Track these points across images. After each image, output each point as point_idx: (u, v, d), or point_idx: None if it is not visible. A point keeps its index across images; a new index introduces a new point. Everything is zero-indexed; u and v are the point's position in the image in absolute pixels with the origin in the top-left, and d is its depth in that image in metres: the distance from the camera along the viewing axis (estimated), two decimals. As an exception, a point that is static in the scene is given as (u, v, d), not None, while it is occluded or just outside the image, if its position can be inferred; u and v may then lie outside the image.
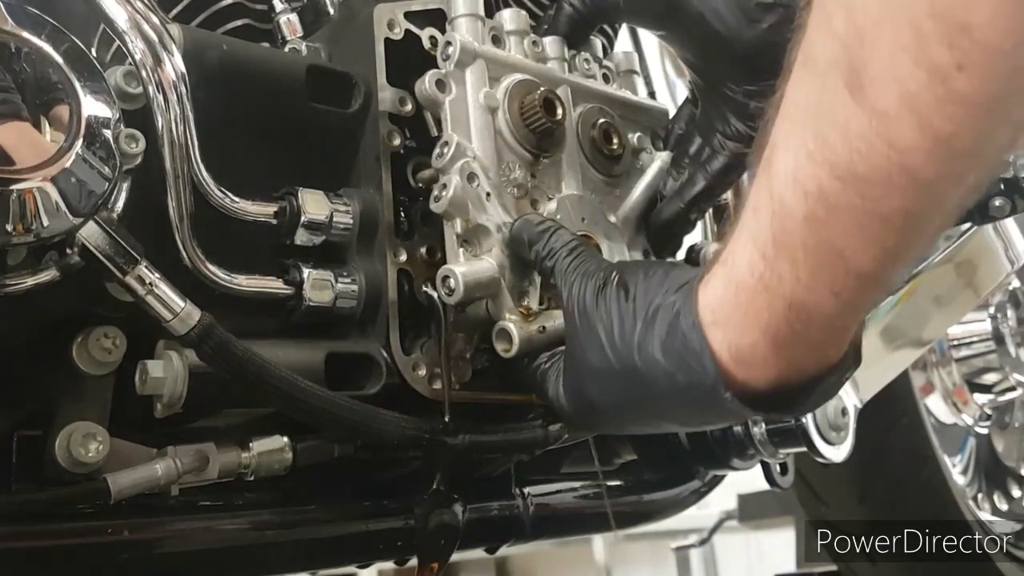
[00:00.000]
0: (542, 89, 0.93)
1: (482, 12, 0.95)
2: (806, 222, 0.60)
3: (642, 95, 1.13)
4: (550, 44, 1.00)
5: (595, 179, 0.99)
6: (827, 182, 0.58)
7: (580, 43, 1.05)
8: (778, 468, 1.19)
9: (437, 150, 0.87)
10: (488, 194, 0.86)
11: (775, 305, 0.64)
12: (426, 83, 0.88)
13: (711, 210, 1.41)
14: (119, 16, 0.74)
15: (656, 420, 0.79)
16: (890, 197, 0.56)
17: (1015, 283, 1.83)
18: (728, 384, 0.68)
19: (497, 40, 0.95)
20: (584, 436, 1.02)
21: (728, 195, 1.14)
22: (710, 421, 0.84)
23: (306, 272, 0.85)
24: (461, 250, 0.87)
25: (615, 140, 1.01)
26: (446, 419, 0.86)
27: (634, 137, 1.05)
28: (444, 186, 0.85)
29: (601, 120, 1.00)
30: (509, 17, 0.98)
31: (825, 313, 0.63)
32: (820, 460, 1.07)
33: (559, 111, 0.93)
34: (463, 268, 0.84)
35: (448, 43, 0.90)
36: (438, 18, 0.97)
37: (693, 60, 0.98)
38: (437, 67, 0.91)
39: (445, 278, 0.84)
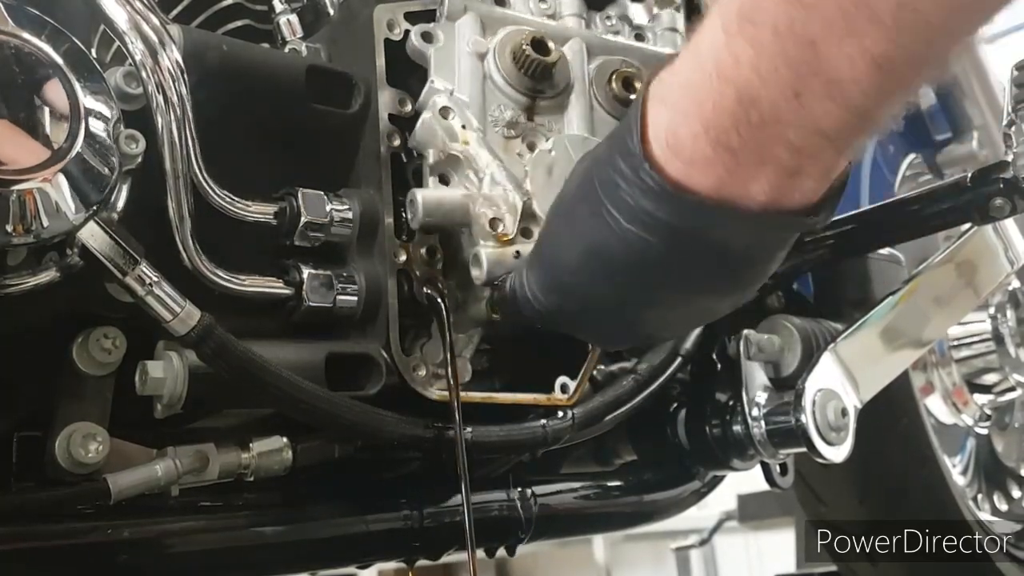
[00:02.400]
0: (531, 31, 0.93)
1: None
2: (783, 0, 0.52)
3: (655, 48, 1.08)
4: (565, 1, 1.00)
5: (609, 123, 0.96)
6: None
7: (603, 1, 1.03)
8: (778, 468, 1.19)
9: (433, 103, 0.89)
10: (464, 126, 0.87)
11: (724, 95, 0.55)
12: (412, 36, 0.90)
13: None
14: (119, 17, 0.74)
15: (621, 265, 0.65)
16: None
17: (1015, 283, 1.83)
18: (654, 167, 0.59)
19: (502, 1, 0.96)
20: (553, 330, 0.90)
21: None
22: (655, 231, 0.63)
23: (306, 273, 0.85)
24: (432, 179, 0.88)
25: (637, 87, 0.98)
26: (457, 419, 0.85)
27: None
28: (419, 122, 0.87)
29: (621, 69, 0.98)
30: None
31: (782, 120, 0.54)
32: (820, 460, 1.07)
33: (551, 50, 0.92)
34: (426, 192, 0.86)
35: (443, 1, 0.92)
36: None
37: None
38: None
39: (409, 201, 0.86)
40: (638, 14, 1.06)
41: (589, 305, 0.72)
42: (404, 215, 0.90)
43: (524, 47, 0.90)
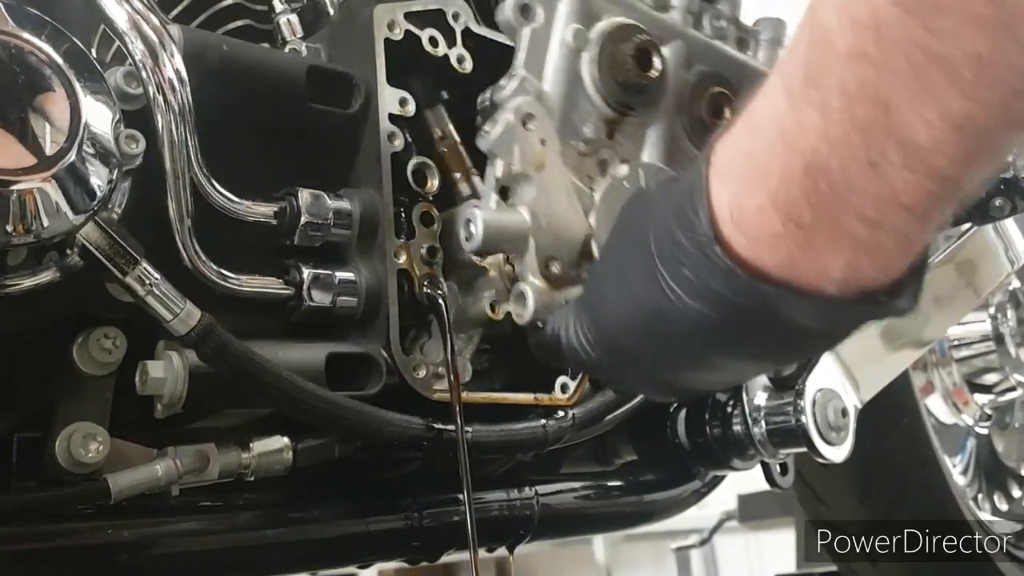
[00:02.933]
0: (640, 37, 0.80)
1: None
2: (850, 59, 0.47)
3: (757, 62, 0.96)
4: None
5: (690, 153, 0.86)
6: (883, 6, 0.45)
7: None
8: (778, 468, 1.19)
9: (502, 81, 0.79)
10: (543, 141, 0.76)
11: (790, 165, 0.51)
12: (508, 7, 0.78)
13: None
14: (119, 17, 0.74)
15: (680, 324, 0.61)
16: (964, 33, 0.43)
17: (1015, 283, 1.83)
18: (721, 246, 0.55)
19: None
20: (615, 389, 0.89)
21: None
22: (735, 311, 0.59)
23: (306, 272, 0.85)
24: (495, 196, 0.77)
25: (726, 113, 0.88)
26: (458, 419, 0.85)
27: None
28: (495, 122, 0.76)
29: (716, 89, 0.87)
30: None
31: (856, 191, 0.49)
32: (820, 460, 1.07)
33: (655, 67, 0.81)
34: (489, 214, 0.75)
35: None
36: (438, 18, 0.97)
37: None
38: (435, 67, 0.90)
39: (467, 221, 0.76)
40: (739, 5, 0.93)
41: (639, 364, 0.69)
42: (403, 215, 0.90)
43: (627, 58, 0.79)
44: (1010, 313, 1.83)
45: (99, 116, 0.70)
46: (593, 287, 0.71)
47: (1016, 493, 1.81)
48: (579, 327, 0.70)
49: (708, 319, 0.58)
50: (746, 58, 0.91)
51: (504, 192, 0.77)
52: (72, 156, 0.67)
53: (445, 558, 1.01)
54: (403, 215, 0.90)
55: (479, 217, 0.75)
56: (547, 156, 0.76)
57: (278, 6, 0.96)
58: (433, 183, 0.93)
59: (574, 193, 0.77)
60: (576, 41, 0.79)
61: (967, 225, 1.23)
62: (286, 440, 0.84)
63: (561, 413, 0.98)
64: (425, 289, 0.89)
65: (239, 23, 0.95)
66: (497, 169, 0.77)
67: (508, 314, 0.94)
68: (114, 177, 0.71)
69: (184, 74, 0.76)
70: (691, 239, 0.57)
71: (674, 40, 0.84)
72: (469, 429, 0.88)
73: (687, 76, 0.84)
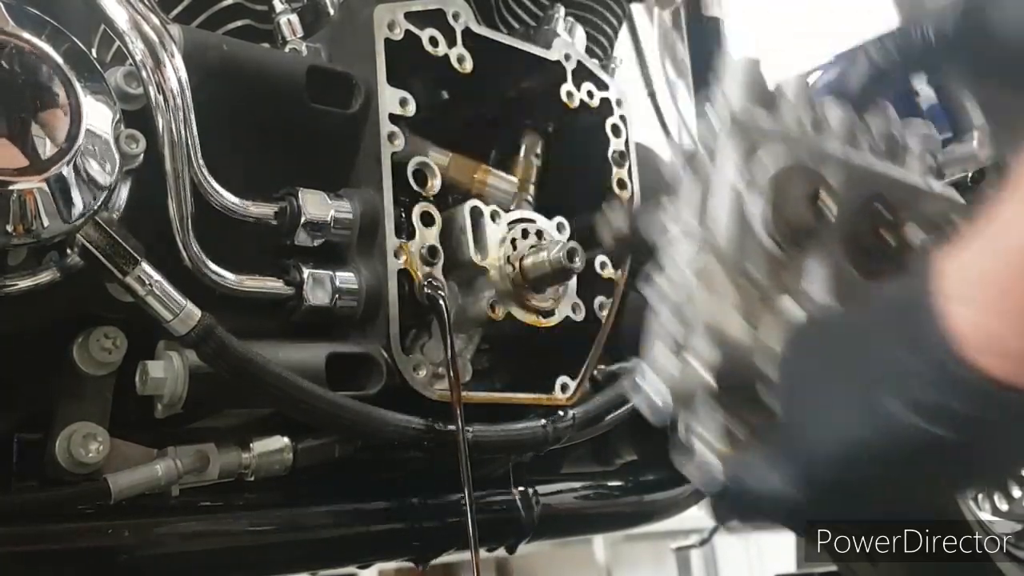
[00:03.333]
0: (811, 178, 0.77)
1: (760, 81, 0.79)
2: None
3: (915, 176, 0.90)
4: (833, 112, 0.82)
5: (850, 279, 0.81)
6: None
7: (869, 105, 0.86)
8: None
9: (670, 226, 0.74)
10: (715, 289, 0.72)
11: None
12: (675, 158, 0.76)
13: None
14: (119, 17, 0.74)
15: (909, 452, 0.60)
16: None
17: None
18: (971, 368, 0.54)
19: (767, 100, 0.79)
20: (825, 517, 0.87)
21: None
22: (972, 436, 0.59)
23: (306, 272, 0.85)
24: (662, 344, 0.71)
25: (888, 239, 0.82)
26: (459, 419, 0.85)
27: (911, 230, 0.84)
28: (668, 279, 0.71)
29: (877, 211, 0.82)
30: (790, 81, 0.82)
31: None
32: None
33: (826, 206, 0.77)
34: (665, 374, 0.70)
35: (717, 102, 0.76)
36: (438, 18, 0.97)
37: None
38: (435, 67, 0.90)
39: (639, 377, 0.70)
40: (890, 119, 0.88)
41: (851, 501, 0.66)
42: (403, 215, 0.90)
43: (803, 202, 0.75)
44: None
45: (99, 116, 0.70)
46: (788, 429, 0.67)
47: (1016, 493, 1.81)
48: (780, 474, 0.65)
49: (945, 440, 0.57)
50: (903, 173, 0.88)
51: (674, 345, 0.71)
52: (72, 156, 0.67)
53: (445, 558, 1.01)
54: (403, 215, 0.90)
55: (654, 380, 0.69)
56: (718, 305, 0.71)
57: (278, 6, 0.96)
58: (433, 183, 0.93)
59: (746, 337, 0.72)
60: (744, 177, 0.75)
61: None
62: (286, 440, 0.84)
63: (561, 413, 0.98)
64: (425, 289, 0.89)
65: (239, 23, 0.95)
66: (665, 320, 0.71)
67: (508, 314, 0.95)
68: (114, 177, 0.71)
69: (184, 74, 0.76)
70: (927, 362, 0.56)
71: (836, 167, 0.81)
72: (469, 429, 0.88)
73: (848, 202, 0.81)
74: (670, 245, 0.72)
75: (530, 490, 1.07)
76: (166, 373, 0.75)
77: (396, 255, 0.89)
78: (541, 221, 1.01)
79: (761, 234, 0.75)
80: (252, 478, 0.83)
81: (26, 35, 0.67)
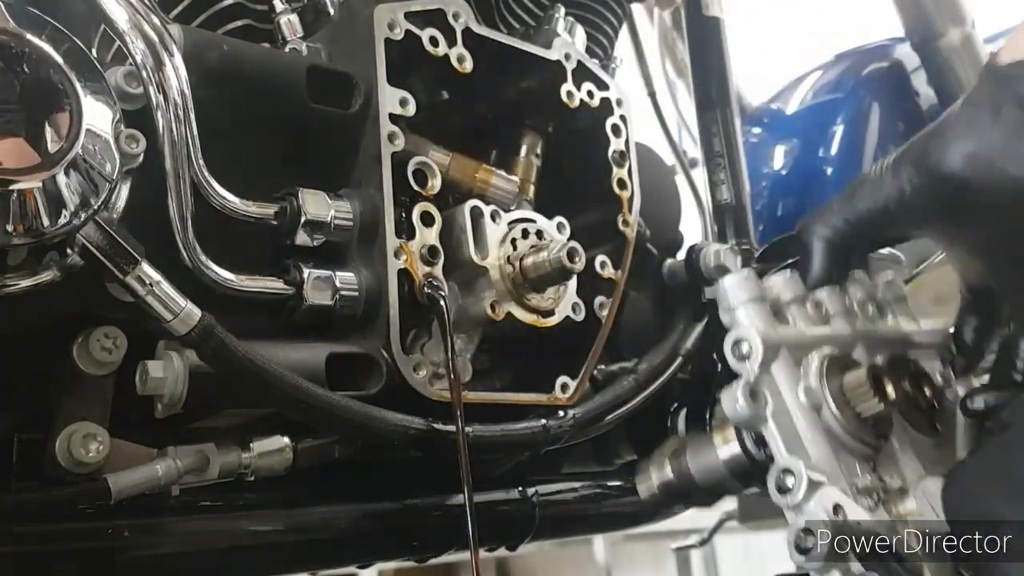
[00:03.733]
0: (864, 367, 0.78)
1: (761, 293, 0.81)
2: None
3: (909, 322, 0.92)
4: (829, 299, 0.84)
5: (925, 446, 0.81)
6: None
7: (844, 276, 0.87)
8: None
9: (779, 479, 0.73)
10: (859, 523, 0.72)
11: None
12: (738, 400, 0.75)
13: (711, 208, 1.41)
14: (120, 16, 0.74)
15: None
16: None
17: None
18: None
19: (779, 315, 0.81)
20: None
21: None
22: None
23: (306, 272, 0.85)
24: None
25: (927, 389, 0.84)
26: (459, 419, 0.85)
27: (935, 373, 0.87)
28: (809, 533, 0.70)
29: (911, 371, 0.83)
30: (783, 285, 0.83)
31: None
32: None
33: (889, 391, 0.77)
34: None
35: (742, 341, 0.76)
36: (439, 18, 0.97)
37: (994, 263, 0.78)
38: (435, 67, 0.89)
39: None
40: (863, 282, 0.89)
41: None
42: (403, 215, 0.90)
43: (867, 390, 0.76)
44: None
45: (99, 116, 0.70)
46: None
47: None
48: None
49: None
50: (902, 327, 0.90)
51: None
52: (72, 156, 0.67)
53: (445, 558, 1.01)
54: (403, 215, 0.90)
55: None
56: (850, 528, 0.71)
57: (278, 6, 0.96)
58: (434, 183, 0.93)
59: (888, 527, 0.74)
60: (811, 399, 0.76)
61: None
62: (286, 440, 0.84)
63: (561, 413, 0.98)
64: (425, 289, 0.89)
65: (239, 23, 0.95)
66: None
67: (508, 314, 0.95)
68: (114, 177, 0.71)
69: (184, 74, 0.76)
70: None
71: (870, 346, 0.83)
72: (469, 429, 0.88)
73: (898, 374, 0.82)
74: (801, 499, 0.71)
75: (530, 490, 1.07)
76: (166, 373, 0.75)
77: (396, 255, 0.89)
78: (541, 221, 1.01)
79: (844, 439, 0.75)
80: (252, 478, 0.83)
81: (26, 35, 0.67)
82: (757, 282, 0.81)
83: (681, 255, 1.26)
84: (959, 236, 0.78)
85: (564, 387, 1.00)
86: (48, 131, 0.66)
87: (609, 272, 1.07)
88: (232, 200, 0.82)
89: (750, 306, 0.79)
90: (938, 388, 0.84)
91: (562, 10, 1.12)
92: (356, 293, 0.87)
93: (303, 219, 0.85)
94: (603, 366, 1.09)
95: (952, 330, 0.92)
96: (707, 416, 1.14)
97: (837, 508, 0.70)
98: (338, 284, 0.86)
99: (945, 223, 0.78)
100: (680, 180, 1.42)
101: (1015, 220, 0.71)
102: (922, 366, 0.84)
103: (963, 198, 0.71)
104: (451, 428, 0.86)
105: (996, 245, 0.76)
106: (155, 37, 0.75)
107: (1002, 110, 0.68)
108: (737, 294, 0.79)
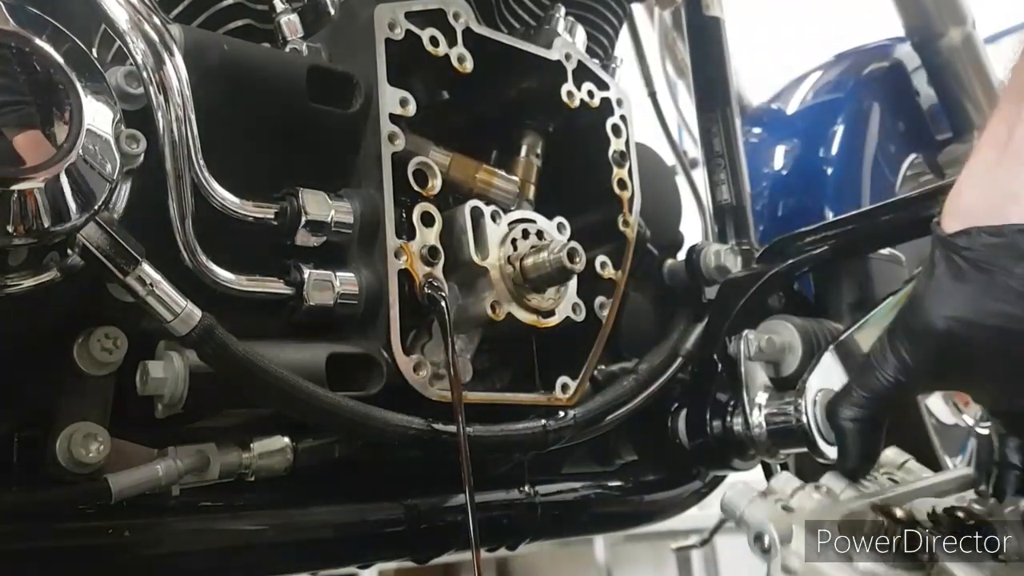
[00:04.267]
0: (903, 532, 0.81)
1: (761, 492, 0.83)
2: None
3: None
4: (833, 481, 0.86)
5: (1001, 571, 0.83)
6: None
7: (878, 453, 0.90)
8: (778, 468, 1.19)
9: None
10: None
11: None
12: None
13: (711, 208, 1.41)
14: (120, 16, 0.74)
15: None
16: None
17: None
18: None
19: (787, 508, 0.83)
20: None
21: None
22: None
23: (307, 272, 0.85)
24: None
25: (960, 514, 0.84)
26: (459, 419, 0.85)
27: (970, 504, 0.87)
28: None
29: (939, 515, 0.84)
30: (784, 482, 0.85)
31: None
32: (821, 460, 1.06)
33: (919, 536, 0.80)
34: None
35: (762, 536, 0.82)
36: (439, 18, 0.97)
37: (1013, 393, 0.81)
38: (436, 67, 0.89)
39: None
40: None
41: None
42: (403, 215, 0.90)
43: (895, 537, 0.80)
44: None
45: (100, 116, 0.70)
46: None
47: (1016, 493, 1.81)
48: None
49: None
50: (920, 480, 0.94)
51: None
52: (73, 156, 0.67)
53: (446, 558, 1.01)
54: (404, 215, 0.90)
55: None
56: None
57: (279, 6, 0.96)
58: (434, 183, 0.93)
59: None
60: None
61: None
62: (286, 440, 0.84)
63: (561, 413, 0.98)
64: (426, 289, 0.89)
65: (240, 23, 0.95)
66: None
67: (508, 314, 0.95)
68: (115, 177, 0.71)
69: (185, 74, 0.76)
70: None
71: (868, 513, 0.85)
72: (470, 429, 0.88)
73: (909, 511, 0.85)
74: None
75: (530, 490, 1.07)
76: (166, 373, 0.75)
77: (397, 255, 0.89)
78: (541, 221, 1.01)
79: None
80: (252, 478, 0.83)
81: (27, 35, 0.67)
82: (753, 488, 0.84)
83: (681, 255, 1.26)
84: (977, 381, 0.83)
85: (564, 387, 1.00)
86: (49, 131, 0.66)
87: (609, 272, 1.07)
88: (232, 200, 0.82)
89: (756, 502, 0.83)
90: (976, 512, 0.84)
91: (562, 10, 1.12)
92: (356, 293, 0.87)
93: (304, 219, 0.85)
94: (603, 366, 1.09)
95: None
96: (706, 415, 1.14)
97: None
98: (338, 284, 0.86)
99: (956, 377, 0.83)
100: (680, 180, 1.42)
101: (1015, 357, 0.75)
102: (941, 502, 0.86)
103: (961, 353, 0.76)
104: (451, 428, 0.86)
105: (1010, 380, 0.80)
106: (155, 37, 0.75)
107: (965, 275, 0.74)
108: (740, 501, 0.83)
